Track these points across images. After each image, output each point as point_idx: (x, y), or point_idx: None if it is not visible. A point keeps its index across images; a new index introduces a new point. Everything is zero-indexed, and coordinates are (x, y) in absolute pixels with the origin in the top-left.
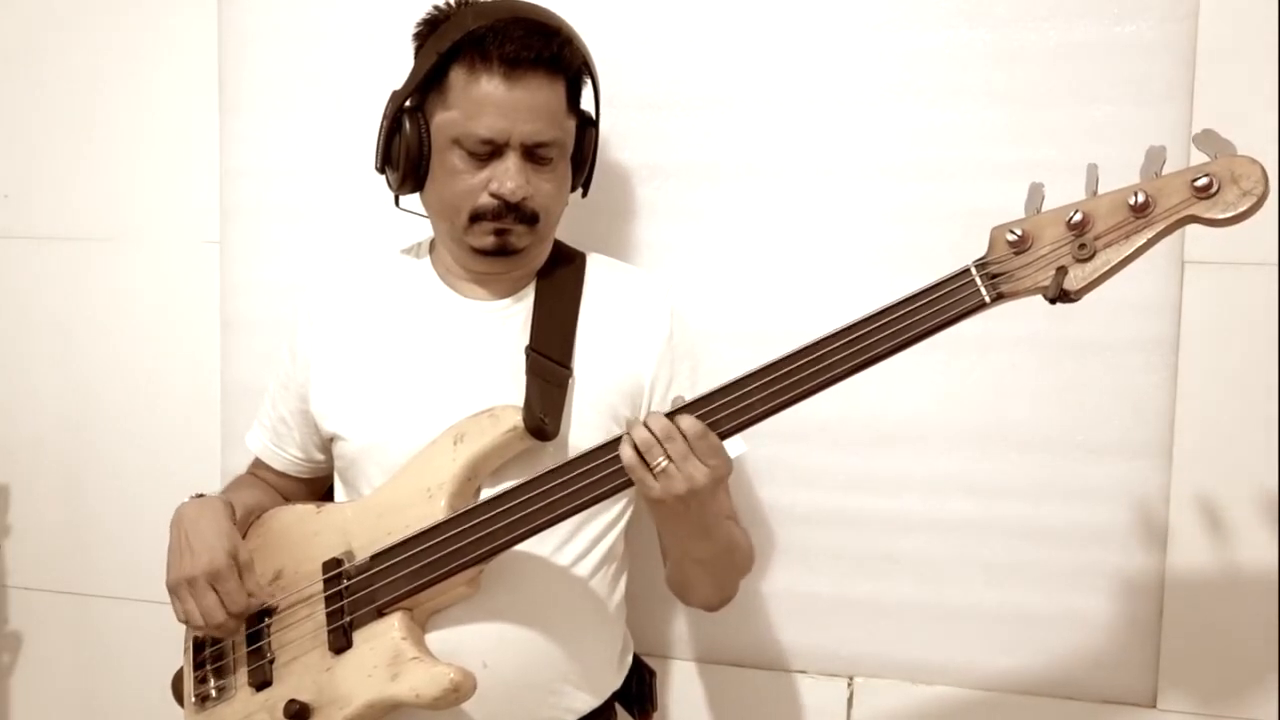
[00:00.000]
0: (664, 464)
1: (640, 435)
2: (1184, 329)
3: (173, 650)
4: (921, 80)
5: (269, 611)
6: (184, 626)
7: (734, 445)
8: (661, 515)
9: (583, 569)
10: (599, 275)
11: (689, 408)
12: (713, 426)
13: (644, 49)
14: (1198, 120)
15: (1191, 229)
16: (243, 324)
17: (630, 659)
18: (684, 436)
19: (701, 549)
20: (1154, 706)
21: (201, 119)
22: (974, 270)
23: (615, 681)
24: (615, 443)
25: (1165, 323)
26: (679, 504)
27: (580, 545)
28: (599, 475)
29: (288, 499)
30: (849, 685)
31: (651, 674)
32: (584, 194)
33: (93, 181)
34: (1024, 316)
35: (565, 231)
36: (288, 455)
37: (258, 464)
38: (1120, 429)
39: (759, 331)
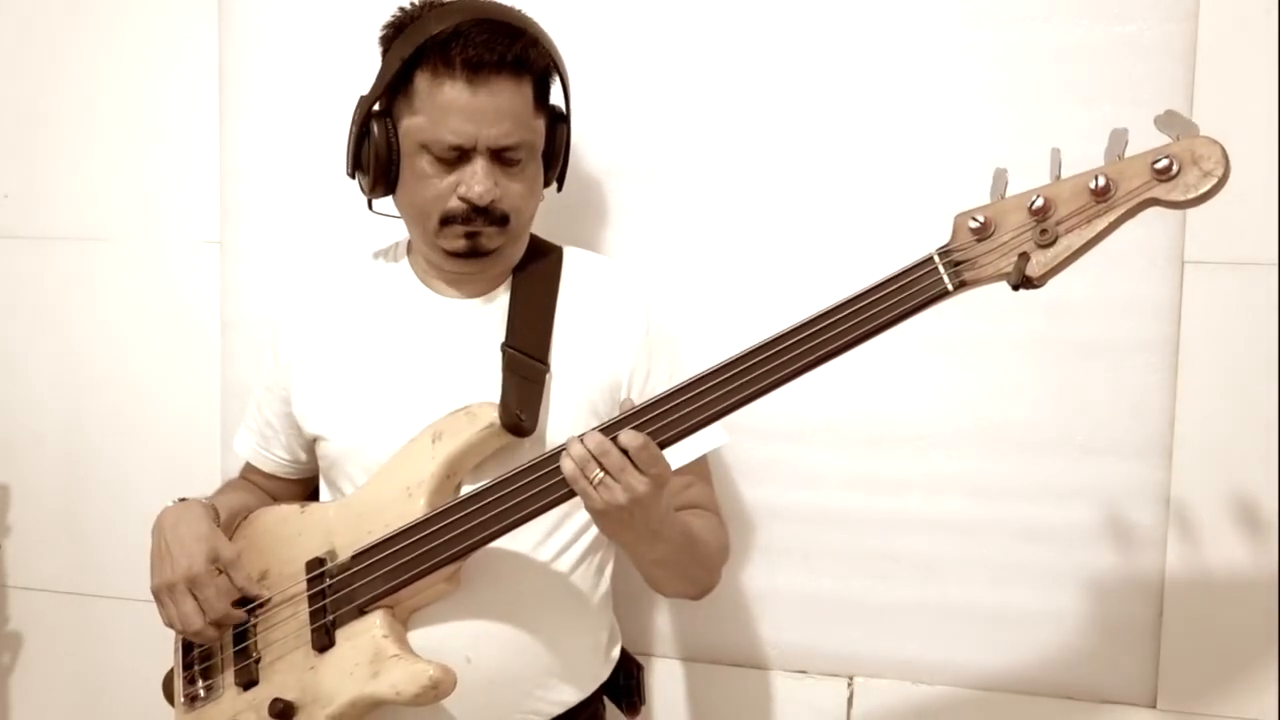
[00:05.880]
0: (600, 476)
1: (576, 452)
2: (1184, 329)
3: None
4: (920, 80)
5: (255, 611)
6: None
7: (715, 436)
8: (605, 524)
9: (565, 562)
10: (576, 270)
11: (641, 411)
12: (672, 427)
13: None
14: (1198, 120)
15: (1192, 227)
16: (243, 324)
17: (617, 651)
18: (622, 450)
19: (656, 551)
20: (1154, 706)
21: (202, 119)
22: (937, 258)
23: (602, 674)
24: None
25: (1165, 323)
26: (622, 513)
27: (564, 538)
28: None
29: (277, 500)
30: (849, 685)
31: (639, 668)
32: (559, 189)
33: (93, 181)
34: (1024, 317)
35: (546, 229)
36: (275, 457)
37: (248, 467)
38: (1120, 429)
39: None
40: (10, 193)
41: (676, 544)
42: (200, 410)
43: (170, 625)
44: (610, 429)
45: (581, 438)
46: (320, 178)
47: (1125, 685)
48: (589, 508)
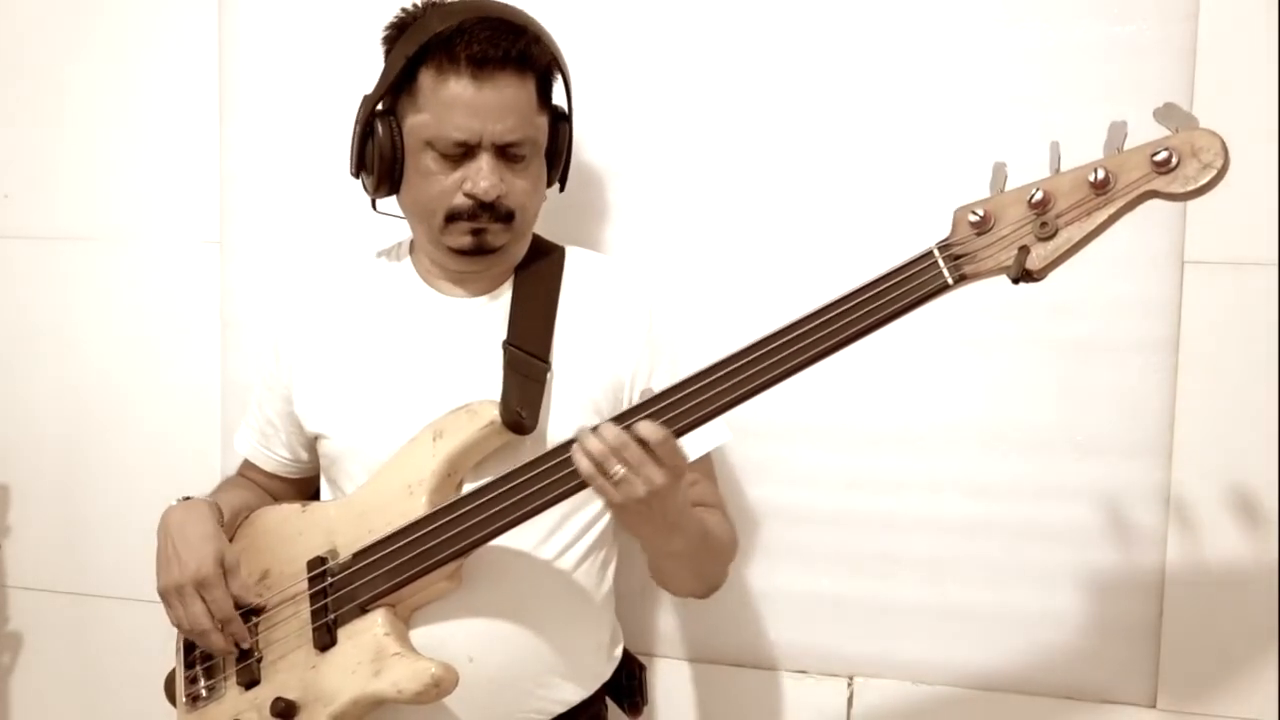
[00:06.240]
0: (620, 471)
1: (593, 447)
2: (1184, 329)
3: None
4: (921, 79)
5: (257, 611)
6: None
7: (719, 433)
8: (625, 518)
9: (568, 560)
10: (578, 269)
11: (648, 404)
12: (678, 419)
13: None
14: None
15: (1192, 226)
16: (243, 324)
17: (620, 650)
18: (641, 442)
19: (674, 544)
20: (1154, 706)
21: (202, 119)
22: (937, 252)
23: (605, 672)
24: None
25: (1165, 323)
26: (641, 506)
27: (566, 536)
28: (570, 469)
29: (277, 499)
30: (849, 685)
31: (641, 668)
32: (561, 188)
33: (93, 182)
34: (1024, 316)
35: (548, 228)
36: (276, 456)
37: (247, 466)
38: (1120, 429)
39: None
40: (10, 193)
41: (693, 537)
42: (200, 410)
43: (179, 626)
44: (620, 421)
45: (595, 430)
46: (320, 178)
47: (1125, 685)
48: (608, 502)
